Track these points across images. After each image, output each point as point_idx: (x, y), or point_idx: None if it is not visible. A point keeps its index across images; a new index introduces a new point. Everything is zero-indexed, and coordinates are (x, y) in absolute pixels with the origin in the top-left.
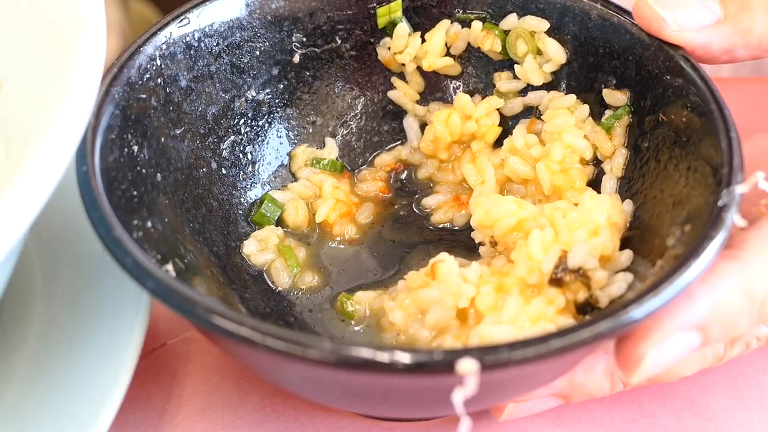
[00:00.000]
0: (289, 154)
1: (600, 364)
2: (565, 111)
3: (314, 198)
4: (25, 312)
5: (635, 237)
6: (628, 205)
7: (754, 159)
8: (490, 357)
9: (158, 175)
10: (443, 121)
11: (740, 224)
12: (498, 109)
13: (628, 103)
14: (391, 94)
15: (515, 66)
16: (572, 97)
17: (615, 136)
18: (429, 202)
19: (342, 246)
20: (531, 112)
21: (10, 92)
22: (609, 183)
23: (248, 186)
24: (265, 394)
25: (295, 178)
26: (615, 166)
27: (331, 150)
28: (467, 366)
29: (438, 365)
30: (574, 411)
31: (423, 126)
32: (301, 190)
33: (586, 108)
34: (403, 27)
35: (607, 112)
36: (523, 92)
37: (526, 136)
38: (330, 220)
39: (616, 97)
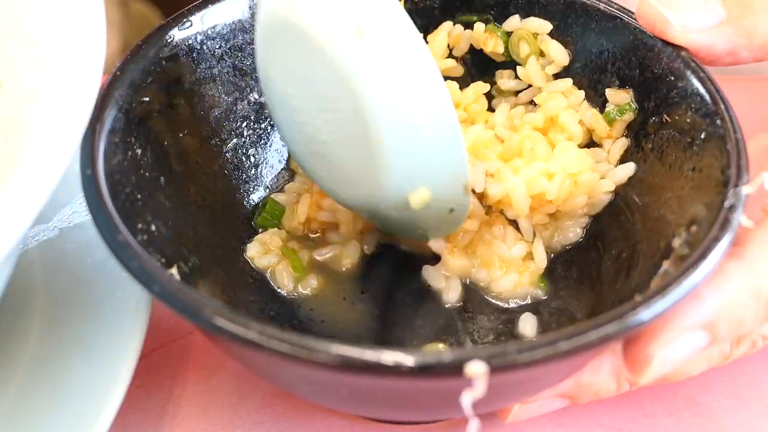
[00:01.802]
0: (289, 152)
1: (606, 365)
2: (559, 95)
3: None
4: (25, 312)
5: (641, 237)
6: (628, 169)
7: (758, 159)
8: (498, 359)
9: (161, 178)
10: None
11: (747, 225)
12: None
13: (632, 101)
14: None
15: (518, 68)
16: (568, 81)
17: (614, 128)
18: None
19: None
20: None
21: (10, 92)
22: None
23: (251, 189)
24: (265, 394)
25: (294, 175)
26: (613, 152)
27: None
28: (476, 368)
29: (446, 368)
30: (575, 411)
31: None
32: (297, 187)
33: (581, 93)
34: None
35: (611, 105)
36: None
37: (509, 112)
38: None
39: (619, 96)
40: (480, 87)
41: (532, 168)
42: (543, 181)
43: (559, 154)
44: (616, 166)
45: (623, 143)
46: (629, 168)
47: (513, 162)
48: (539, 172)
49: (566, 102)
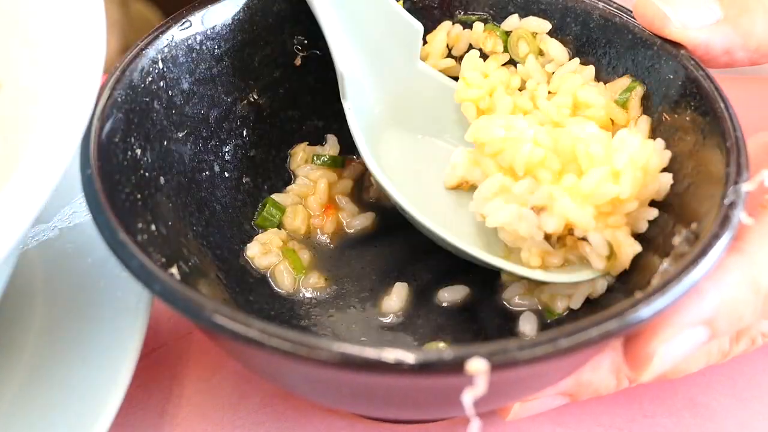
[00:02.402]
0: (289, 153)
1: (606, 362)
2: (571, 74)
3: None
4: (25, 312)
5: (640, 236)
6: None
7: (756, 157)
8: (499, 357)
9: (161, 178)
10: (473, 66)
11: (747, 222)
12: None
13: (634, 78)
14: None
15: (518, 66)
16: (575, 61)
17: (631, 108)
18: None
19: (349, 246)
20: None
21: (10, 92)
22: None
23: (251, 189)
24: (265, 394)
25: (294, 176)
26: (641, 132)
27: (332, 146)
28: (477, 366)
29: (447, 365)
30: (575, 410)
31: None
32: (299, 189)
33: (591, 68)
34: None
35: (617, 92)
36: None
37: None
38: (315, 224)
39: (619, 83)
40: (501, 57)
41: (594, 174)
42: (610, 185)
43: (620, 147)
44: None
45: (646, 120)
46: (660, 144)
47: (566, 179)
48: (604, 176)
49: (581, 79)
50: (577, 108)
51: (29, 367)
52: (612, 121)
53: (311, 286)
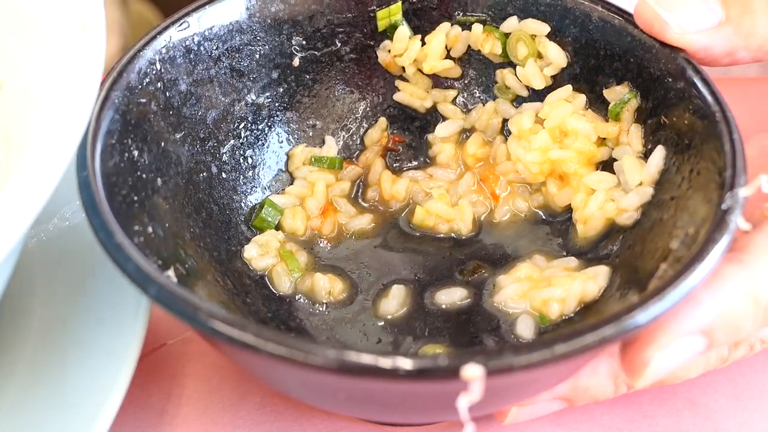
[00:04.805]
0: (287, 154)
1: (604, 367)
2: (562, 102)
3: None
4: (25, 312)
5: (638, 240)
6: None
7: (755, 160)
8: (495, 362)
9: (158, 179)
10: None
11: (744, 227)
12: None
13: (631, 88)
14: (397, 96)
15: (517, 68)
16: (568, 87)
17: (623, 121)
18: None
19: (346, 249)
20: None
21: (10, 92)
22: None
23: (249, 190)
24: (265, 394)
25: (292, 178)
26: (633, 141)
27: (330, 148)
28: (472, 372)
29: (443, 371)
30: (575, 411)
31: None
32: (298, 191)
33: (583, 97)
34: (403, 30)
35: (613, 102)
36: (518, 101)
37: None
38: (313, 226)
39: (617, 92)
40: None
41: (545, 293)
42: (554, 304)
43: (566, 282)
44: (644, 155)
45: (637, 130)
46: (659, 154)
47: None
48: (551, 297)
49: (571, 107)
50: (565, 136)
51: (29, 367)
52: (602, 140)
53: (308, 288)
